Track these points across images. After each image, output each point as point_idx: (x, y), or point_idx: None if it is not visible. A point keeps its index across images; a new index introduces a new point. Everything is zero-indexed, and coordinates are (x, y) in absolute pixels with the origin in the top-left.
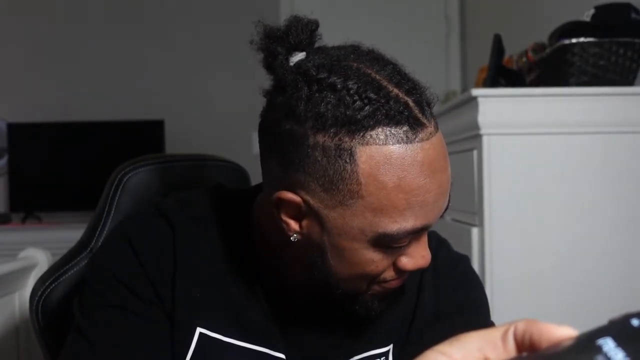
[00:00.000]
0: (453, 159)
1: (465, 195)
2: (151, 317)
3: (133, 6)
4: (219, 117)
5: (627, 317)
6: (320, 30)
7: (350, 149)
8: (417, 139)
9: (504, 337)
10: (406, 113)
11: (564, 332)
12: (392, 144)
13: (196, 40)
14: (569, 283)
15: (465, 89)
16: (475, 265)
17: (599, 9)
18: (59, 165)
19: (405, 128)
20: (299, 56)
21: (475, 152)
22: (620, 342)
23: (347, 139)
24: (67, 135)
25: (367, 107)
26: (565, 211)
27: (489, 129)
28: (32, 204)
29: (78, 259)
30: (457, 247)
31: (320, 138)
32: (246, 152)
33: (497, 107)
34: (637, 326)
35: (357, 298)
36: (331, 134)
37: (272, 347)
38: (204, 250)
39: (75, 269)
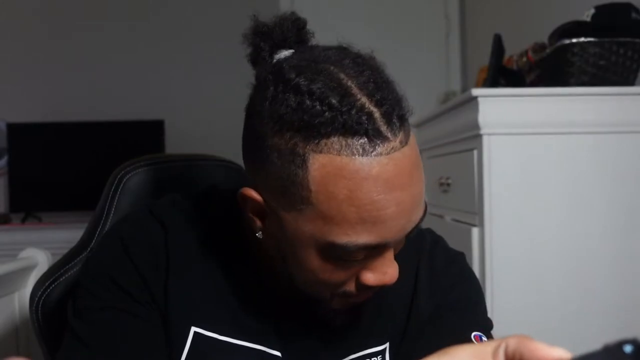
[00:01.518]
0: (453, 159)
1: (465, 195)
2: (145, 318)
3: (133, 6)
4: (219, 117)
5: (620, 344)
6: (319, 30)
7: (304, 155)
8: (374, 153)
9: (495, 354)
10: (367, 124)
11: (556, 354)
12: (346, 155)
13: (196, 40)
14: (569, 283)
15: (465, 89)
16: (475, 265)
17: (599, 9)
18: (59, 165)
19: (362, 140)
20: (283, 53)
21: (475, 152)
22: None
23: (301, 144)
24: (67, 135)
25: (326, 114)
26: (565, 211)
27: (489, 129)
28: (32, 204)
29: (78, 259)
30: (457, 247)
31: (277, 140)
32: None
33: (497, 107)
34: (629, 353)
35: (320, 305)
36: (287, 138)
37: (268, 344)
38: (197, 250)
39: (75, 270)
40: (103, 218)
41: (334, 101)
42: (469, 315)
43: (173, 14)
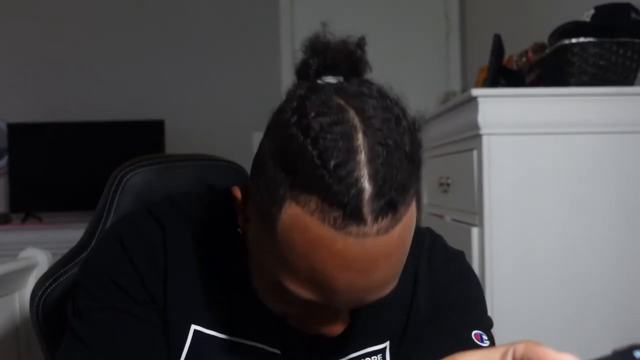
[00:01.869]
0: (453, 159)
1: (465, 195)
2: (145, 317)
3: (133, 6)
4: (219, 117)
5: (630, 349)
6: (319, 30)
7: (283, 196)
8: (344, 231)
9: (502, 359)
10: (351, 200)
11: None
12: (317, 219)
13: (196, 40)
14: (569, 283)
15: (465, 89)
16: (475, 265)
17: (599, 9)
18: (59, 165)
19: (338, 213)
20: (328, 79)
21: (475, 152)
22: None
23: (286, 185)
24: (67, 135)
25: (318, 171)
26: (565, 211)
27: (489, 129)
28: (32, 204)
29: (78, 259)
30: (457, 247)
31: (270, 168)
32: (246, 152)
33: (497, 107)
34: (639, 358)
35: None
36: (278, 172)
37: (267, 342)
38: (195, 249)
39: (75, 269)
40: (103, 218)
41: (332, 162)
42: (469, 314)
43: (173, 14)
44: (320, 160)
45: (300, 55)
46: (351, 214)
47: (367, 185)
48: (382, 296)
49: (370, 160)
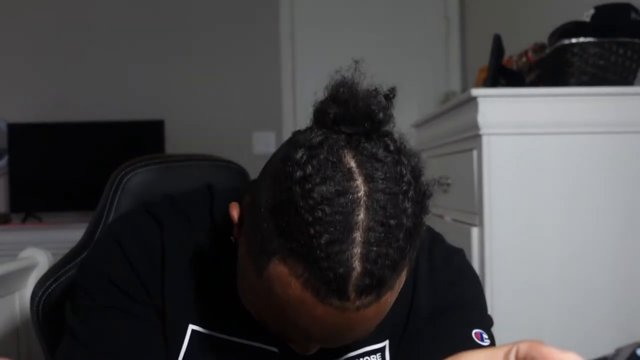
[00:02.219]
0: (453, 159)
1: (465, 195)
2: (143, 316)
3: (133, 7)
4: (219, 117)
5: (633, 347)
6: (319, 30)
7: (272, 252)
8: (325, 302)
9: (506, 358)
10: (336, 278)
11: (568, 358)
12: (301, 285)
13: (196, 41)
14: (569, 283)
15: (465, 89)
16: (475, 265)
17: (599, 9)
18: (59, 165)
19: (322, 287)
20: (348, 129)
21: (475, 152)
22: None
23: (276, 242)
24: (67, 135)
25: (310, 241)
26: (565, 211)
27: (489, 129)
28: (32, 204)
29: (79, 259)
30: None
31: (266, 222)
32: (246, 152)
33: (497, 107)
34: None
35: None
36: (271, 225)
37: (265, 341)
38: (193, 248)
39: (75, 269)
40: (103, 218)
41: (325, 237)
42: (469, 313)
43: (173, 14)
44: (314, 231)
45: (321, 96)
46: (336, 290)
47: (357, 264)
48: (348, 343)
49: (366, 241)
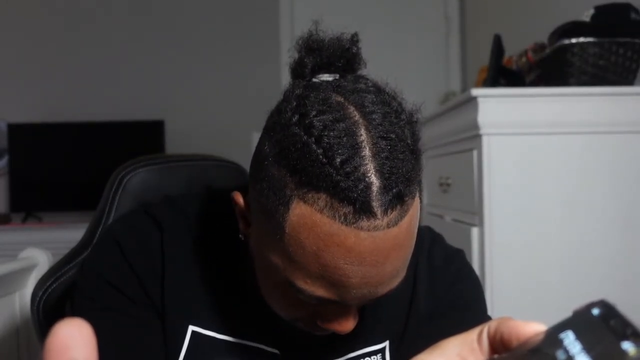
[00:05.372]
0: (453, 159)
1: (465, 195)
2: (143, 318)
3: (133, 7)
4: (219, 117)
5: (588, 307)
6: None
7: (290, 197)
8: (355, 225)
9: (479, 339)
10: (360, 195)
11: (532, 328)
12: (327, 216)
13: (196, 40)
14: (569, 282)
15: (465, 89)
16: (475, 265)
17: (599, 9)
18: (59, 165)
19: (348, 209)
20: (324, 77)
21: (475, 152)
22: (579, 334)
23: (292, 185)
24: (67, 135)
25: (324, 168)
26: (565, 211)
27: (488, 129)
28: (32, 204)
29: (79, 259)
30: (457, 247)
31: (273, 170)
32: (246, 152)
33: (497, 107)
34: (596, 315)
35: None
36: (282, 172)
37: (266, 342)
38: (193, 250)
39: (75, 270)
40: (104, 218)
41: (337, 159)
42: (469, 313)
43: (173, 14)
44: (325, 158)
45: (294, 54)
46: (362, 208)
47: (374, 179)
48: (392, 288)
49: (375, 155)
